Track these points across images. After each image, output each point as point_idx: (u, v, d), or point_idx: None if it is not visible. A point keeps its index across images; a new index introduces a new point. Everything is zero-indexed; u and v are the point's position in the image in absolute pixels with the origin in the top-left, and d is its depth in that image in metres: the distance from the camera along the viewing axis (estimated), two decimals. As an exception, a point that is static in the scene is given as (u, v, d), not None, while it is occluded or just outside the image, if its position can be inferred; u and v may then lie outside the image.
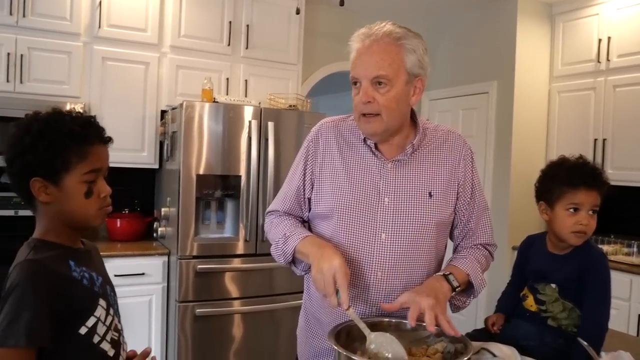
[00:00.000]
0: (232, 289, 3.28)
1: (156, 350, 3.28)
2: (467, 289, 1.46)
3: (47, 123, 1.20)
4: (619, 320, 3.09)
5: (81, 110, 1.31)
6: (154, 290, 3.26)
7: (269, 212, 1.61)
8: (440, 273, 1.41)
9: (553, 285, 1.62)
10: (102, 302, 1.25)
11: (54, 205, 1.20)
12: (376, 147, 1.47)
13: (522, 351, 1.51)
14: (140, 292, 3.22)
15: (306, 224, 1.59)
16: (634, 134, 3.56)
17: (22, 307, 1.08)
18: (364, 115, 1.41)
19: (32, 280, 1.11)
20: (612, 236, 3.47)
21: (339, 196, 1.46)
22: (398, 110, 1.40)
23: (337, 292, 1.26)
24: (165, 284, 3.30)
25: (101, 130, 1.26)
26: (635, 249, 3.37)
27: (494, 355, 1.42)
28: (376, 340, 1.27)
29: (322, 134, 1.54)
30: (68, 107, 3.21)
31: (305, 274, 1.46)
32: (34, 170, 1.17)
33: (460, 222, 1.54)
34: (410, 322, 1.26)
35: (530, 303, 1.67)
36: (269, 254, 1.56)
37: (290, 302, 3.33)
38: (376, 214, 1.43)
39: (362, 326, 1.26)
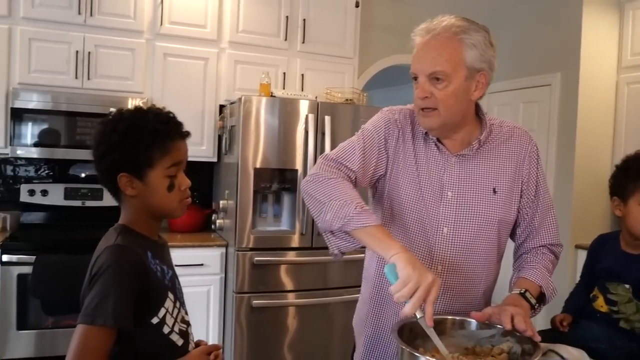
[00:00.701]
0: (287, 282, 3.31)
1: (213, 339, 3.36)
2: (539, 299, 1.42)
3: (132, 121, 1.26)
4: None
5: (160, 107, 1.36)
6: (212, 281, 3.34)
7: (333, 159, 1.40)
8: (517, 291, 1.37)
9: (627, 286, 1.54)
10: (170, 295, 1.29)
11: (139, 198, 1.27)
12: (439, 141, 1.45)
13: (592, 354, 1.45)
14: (199, 282, 3.30)
15: None
16: None
17: (111, 289, 1.14)
18: (422, 109, 1.39)
19: (122, 263, 1.18)
20: None
21: (408, 185, 1.44)
22: (457, 105, 1.37)
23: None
24: (223, 275, 3.37)
25: (180, 125, 1.32)
26: None
27: (563, 358, 1.37)
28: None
29: (399, 119, 1.49)
30: (131, 103, 3.33)
31: (342, 254, 1.33)
32: (121, 166, 1.24)
33: (524, 221, 1.50)
34: (506, 325, 1.23)
35: (600, 304, 1.60)
36: (325, 248, 1.42)
37: (344, 296, 3.33)
38: (439, 207, 1.41)
39: (439, 344, 1.20)
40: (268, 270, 3.25)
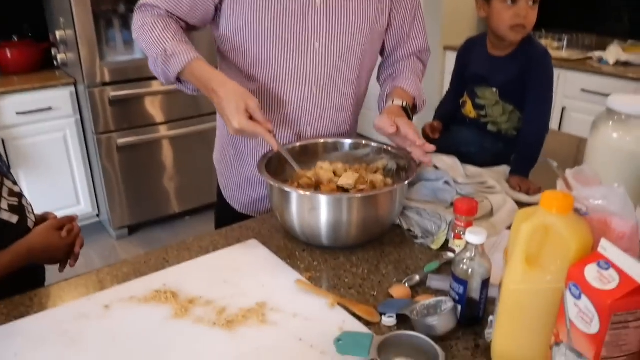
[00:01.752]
0: (156, 114, 3.05)
1: (83, 187, 3.13)
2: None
3: None
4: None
5: None
6: (66, 125, 2.98)
7: (142, 5, 1.24)
8: (399, 103, 1.26)
9: (493, 89, 1.52)
10: None
11: None
12: None
13: (462, 158, 1.46)
14: (51, 128, 2.93)
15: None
16: None
17: None
18: None
19: None
20: (543, 31, 3.40)
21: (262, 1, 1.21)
22: None
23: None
24: (78, 117, 3.01)
25: None
26: (565, 43, 3.34)
27: (437, 168, 1.36)
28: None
29: None
30: None
31: (197, 94, 1.24)
32: None
33: (392, 28, 1.37)
34: (416, 142, 1.14)
35: (469, 109, 1.59)
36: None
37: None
38: (307, 18, 1.21)
39: (290, 159, 1.16)
40: (130, 105, 2.94)
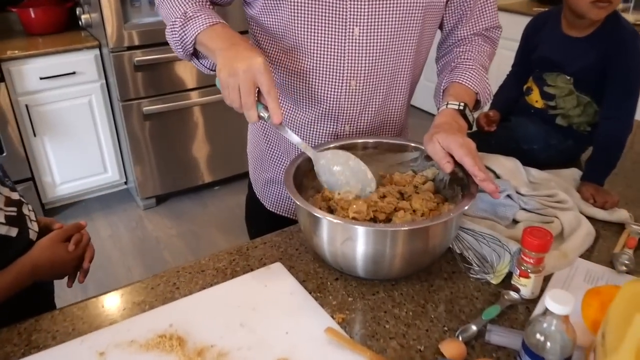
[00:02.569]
0: (185, 80, 2.88)
1: (110, 154, 3.02)
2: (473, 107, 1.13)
3: None
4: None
5: None
6: (92, 90, 2.84)
7: None
8: (454, 105, 1.03)
9: (567, 77, 1.28)
10: None
11: None
12: None
13: (524, 156, 1.25)
14: (76, 93, 2.80)
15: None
16: None
17: None
18: None
19: None
20: (631, 1, 3.00)
21: None
22: None
23: (257, 103, 0.89)
24: (104, 81, 2.87)
25: None
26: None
27: (496, 175, 1.15)
28: (324, 158, 0.99)
29: None
30: None
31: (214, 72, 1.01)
32: None
33: (453, 0, 1.13)
34: (445, 168, 0.93)
35: (535, 98, 1.35)
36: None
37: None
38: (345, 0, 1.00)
39: (298, 141, 0.96)
40: (157, 70, 2.78)
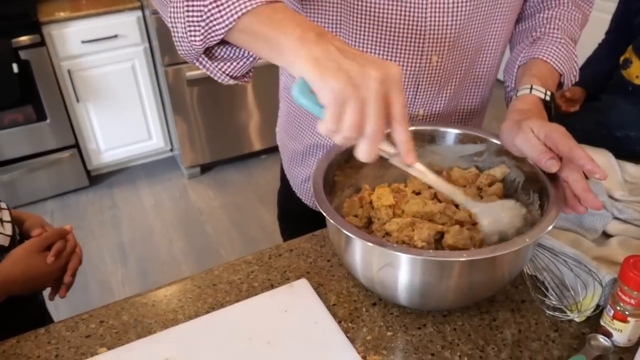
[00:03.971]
0: (228, 45, 2.71)
1: (154, 121, 2.92)
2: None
3: None
4: None
5: None
6: (134, 54, 2.72)
7: None
8: (541, 93, 0.79)
9: (681, 44, 1.01)
10: None
11: None
12: None
13: (616, 146, 1.00)
14: (118, 57, 2.69)
15: None
16: None
17: None
18: None
19: None
20: None
21: None
22: None
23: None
24: (147, 45, 2.74)
25: None
26: None
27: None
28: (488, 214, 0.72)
29: None
30: None
31: (234, 82, 0.70)
32: None
33: None
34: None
35: (636, 72, 1.09)
36: None
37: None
38: None
39: (446, 189, 0.69)
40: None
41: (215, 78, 0.69)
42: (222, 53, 0.67)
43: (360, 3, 0.80)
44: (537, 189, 0.76)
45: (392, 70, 0.53)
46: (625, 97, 1.11)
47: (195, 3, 0.60)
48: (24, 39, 2.42)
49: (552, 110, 0.79)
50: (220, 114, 2.88)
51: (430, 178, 0.65)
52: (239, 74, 0.69)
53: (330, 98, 0.51)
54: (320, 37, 0.54)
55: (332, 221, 0.66)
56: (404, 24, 0.81)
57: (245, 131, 2.99)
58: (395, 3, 0.79)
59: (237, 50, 0.66)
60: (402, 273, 0.65)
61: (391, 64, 0.54)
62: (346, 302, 0.78)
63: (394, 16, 0.80)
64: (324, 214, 0.68)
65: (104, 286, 2.26)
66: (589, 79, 1.16)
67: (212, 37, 0.61)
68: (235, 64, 0.67)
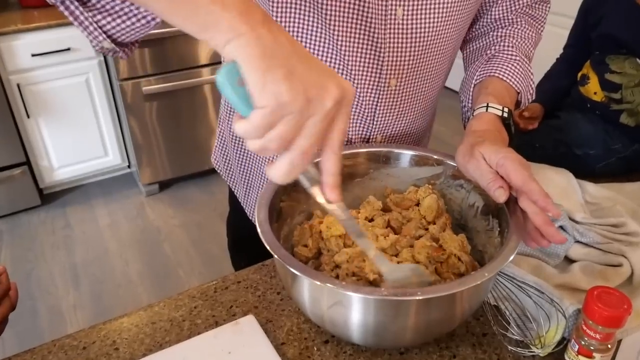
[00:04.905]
0: (190, 55, 2.64)
1: (110, 137, 2.81)
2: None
3: None
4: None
5: None
6: (89, 68, 2.62)
7: None
8: (497, 111, 0.75)
9: (638, 60, 1.00)
10: None
11: None
12: None
13: (575, 164, 0.98)
14: (72, 71, 2.58)
15: None
16: None
17: None
18: None
19: None
20: None
21: None
22: None
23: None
24: (102, 58, 2.64)
25: None
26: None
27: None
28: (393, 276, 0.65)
29: None
30: None
31: (110, 49, 0.61)
32: None
33: None
34: (548, 209, 0.61)
35: (593, 88, 1.07)
36: None
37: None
38: None
39: (360, 241, 0.61)
40: (157, 46, 2.53)
41: (85, 34, 0.56)
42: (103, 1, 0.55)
43: (323, 13, 0.75)
44: (497, 214, 0.72)
45: (350, 92, 0.46)
46: (584, 115, 1.09)
47: None
48: (-31, 51, 2.31)
49: (512, 128, 0.75)
50: (179, 129, 2.79)
51: (346, 223, 0.57)
52: (122, 38, 0.57)
53: (271, 103, 0.42)
54: (269, 22, 0.44)
55: (276, 256, 0.60)
56: (364, 42, 0.78)
57: (206, 146, 2.91)
58: (356, 20, 0.75)
59: (129, 3, 0.54)
60: (353, 312, 0.60)
61: (348, 83, 0.48)
62: (296, 340, 0.72)
63: (354, 32, 0.76)
64: (268, 247, 0.62)
65: (55, 312, 2.13)
66: (547, 95, 1.15)
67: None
68: (119, 20, 0.55)
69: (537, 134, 1.11)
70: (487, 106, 0.75)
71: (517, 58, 0.83)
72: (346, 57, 0.79)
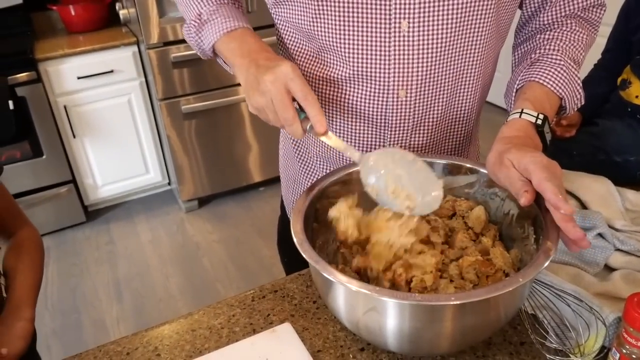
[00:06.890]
0: (227, 75, 2.71)
1: (151, 155, 2.90)
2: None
3: None
4: None
5: None
6: (131, 89, 2.72)
7: None
8: (532, 117, 0.74)
9: (679, 64, 0.98)
10: None
11: None
12: None
13: (615, 172, 0.96)
14: (114, 92, 2.69)
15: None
16: None
17: None
18: None
19: None
20: None
21: None
22: None
23: (300, 113, 0.72)
24: (143, 79, 2.74)
25: None
26: None
27: (582, 205, 0.88)
28: (375, 165, 0.72)
29: None
30: None
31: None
32: None
33: None
34: (559, 207, 0.61)
35: (635, 92, 1.05)
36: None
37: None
38: None
39: (344, 148, 0.74)
40: (195, 66, 2.61)
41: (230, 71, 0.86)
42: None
43: (319, 33, 0.81)
44: (532, 221, 0.71)
45: (281, 69, 0.70)
46: (623, 120, 1.07)
47: (188, 33, 0.86)
48: (20, 75, 2.43)
49: (547, 135, 0.74)
50: (218, 146, 2.86)
51: (334, 141, 0.73)
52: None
53: (254, 109, 0.74)
54: (250, 62, 0.75)
55: (309, 260, 0.62)
56: (370, 51, 0.79)
57: (244, 163, 2.97)
58: (356, 36, 0.78)
59: None
60: (388, 318, 0.60)
61: (282, 63, 0.71)
62: (332, 347, 0.73)
63: (360, 40, 0.79)
64: (304, 255, 0.63)
65: (98, 325, 2.20)
66: (585, 102, 1.13)
67: (207, 55, 0.87)
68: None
69: (574, 141, 1.09)
70: (522, 112, 0.75)
71: (562, 62, 0.82)
72: (351, 70, 0.82)
